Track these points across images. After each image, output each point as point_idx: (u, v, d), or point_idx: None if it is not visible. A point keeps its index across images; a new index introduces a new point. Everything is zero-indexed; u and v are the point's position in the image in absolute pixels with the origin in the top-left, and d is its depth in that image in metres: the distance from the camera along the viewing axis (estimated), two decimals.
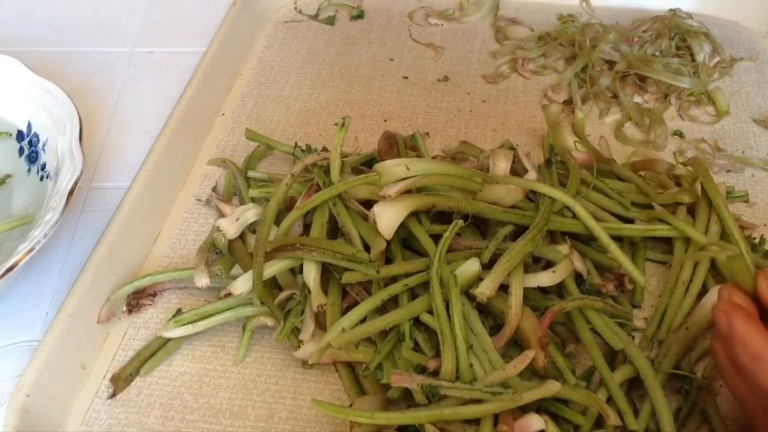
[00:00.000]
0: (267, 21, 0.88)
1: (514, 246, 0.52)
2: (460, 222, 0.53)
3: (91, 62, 0.78)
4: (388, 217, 0.52)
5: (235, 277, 0.54)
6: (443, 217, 0.57)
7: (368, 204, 0.54)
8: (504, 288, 0.51)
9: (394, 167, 0.54)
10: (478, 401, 0.46)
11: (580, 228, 0.56)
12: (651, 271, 0.59)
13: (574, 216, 0.56)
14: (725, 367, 0.42)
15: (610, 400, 0.49)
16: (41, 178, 0.61)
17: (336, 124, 0.61)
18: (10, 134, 0.64)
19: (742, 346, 0.40)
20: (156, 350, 0.55)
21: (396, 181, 0.53)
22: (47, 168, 0.61)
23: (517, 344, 0.52)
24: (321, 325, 0.53)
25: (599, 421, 0.48)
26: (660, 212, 0.58)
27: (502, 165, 0.59)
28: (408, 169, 0.54)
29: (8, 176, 0.63)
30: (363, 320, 0.52)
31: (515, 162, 0.61)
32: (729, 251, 0.51)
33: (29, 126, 0.63)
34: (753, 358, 0.39)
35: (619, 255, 0.54)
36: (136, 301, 0.58)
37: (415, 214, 0.55)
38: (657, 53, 0.77)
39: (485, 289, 0.50)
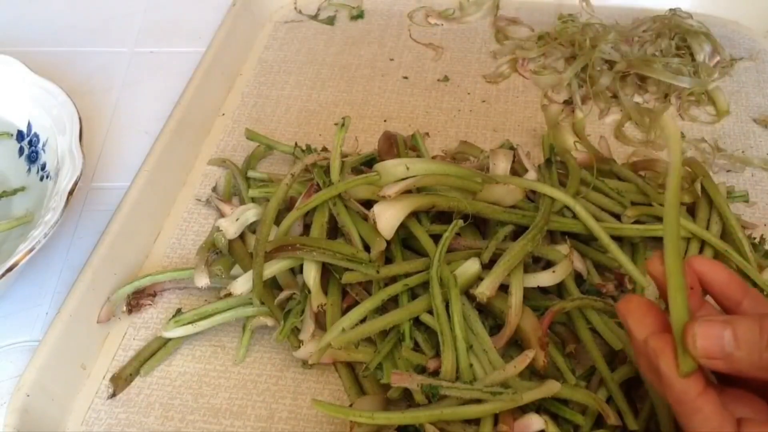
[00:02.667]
0: (267, 21, 0.88)
1: (514, 246, 0.52)
2: (460, 222, 0.53)
3: (91, 62, 0.78)
4: (388, 217, 0.52)
5: (235, 277, 0.54)
6: (443, 217, 0.57)
7: (368, 204, 0.54)
8: (504, 288, 0.51)
9: (394, 167, 0.54)
10: (478, 401, 0.47)
11: (580, 228, 0.56)
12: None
13: (574, 216, 0.56)
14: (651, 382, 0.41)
15: (610, 400, 0.49)
16: (41, 178, 0.61)
17: (336, 124, 0.61)
18: (11, 134, 0.64)
19: (668, 388, 0.38)
20: (156, 350, 0.55)
21: (396, 181, 0.53)
22: (47, 168, 0.61)
23: (517, 344, 0.52)
24: (321, 325, 0.53)
25: (599, 421, 0.48)
26: (656, 209, 0.58)
27: (502, 165, 0.59)
28: (408, 169, 0.54)
29: (22, 188, 0.62)
30: (363, 320, 0.52)
31: (515, 162, 0.61)
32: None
33: (29, 126, 0.63)
34: (676, 402, 0.38)
35: (619, 255, 0.54)
36: (136, 301, 0.58)
37: (415, 214, 0.55)
38: (657, 53, 0.77)
39: (485, 289, 0.50)
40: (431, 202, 0.54)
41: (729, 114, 0.74)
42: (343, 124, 0.57)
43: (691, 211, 0.60)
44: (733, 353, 0.37)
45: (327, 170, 0.57)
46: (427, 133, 0.71)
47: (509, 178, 0.57)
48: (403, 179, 0.53)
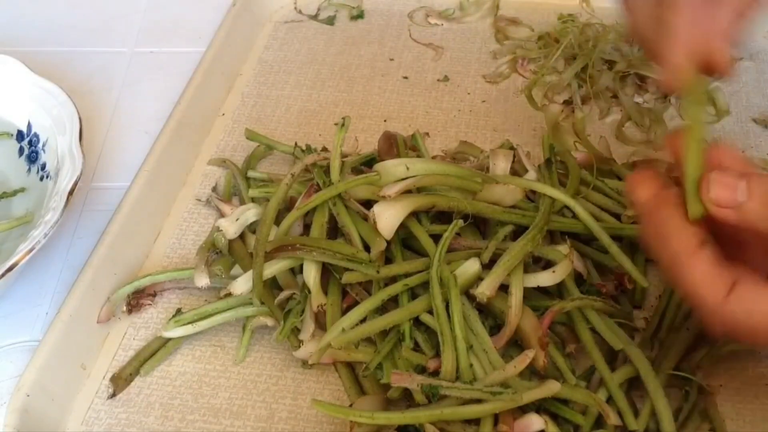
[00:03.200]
0: (267, 21, 0.88)
1: (514, 246, 0.52)
2: (460, 222, 0.53)
3: (91, 62, 0.78)
4: (388, 217, 0.52)
5: (235, 277, 0.54)
6: (443, 217, 0.57)
7: (368, 204, 0.54)
8: (504, 288, 0.51)
9: (394, 167, 0.54)
10: (478, 401, 0.47)
11: (580, 228, 0.56)
12: (651, 271, 0.59)
13: (574, 216, 0.56)
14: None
15: (609, 400, 0.49)
16: (41, 178, 0.61)
17: (336, 124, 0.61)
18: (11, 135, 0.64)
19: (666, 245, 0.39)
20: (156, 350, 0.55)
21: (396, 181, 0.53)
22: (47, 168, 0.61)
23: (517, 344, 0.52)
24: (321, 325, 0.53)
25: (599, 421, 0.48)
26: None
27: (502, 165, 0.59)
28: (408, 169, 0.54)
29: (22, 189, 0.63)
30: (363, 320, 0.52)
31: (515, 162, 0.61)
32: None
33: (29, 126, 0.63)
34: (671, 259, 0.39)
35: (619, 255, 0.54)
36: (136, 301, 0.58)
37: (415, 214, 0.55)
38: None
39: (485, 289, 0.50)
40: (431, 202, 0.54)
41: (729, 114, 0.74)
42: (343, 124, 0.57)
43: None
44: (745, 203, 0.38)
45: (327, 170, 0.57)
46: (427, 133, 0.71)
47: (509, 178, 0.57)
48: (403, 179, 0.53)
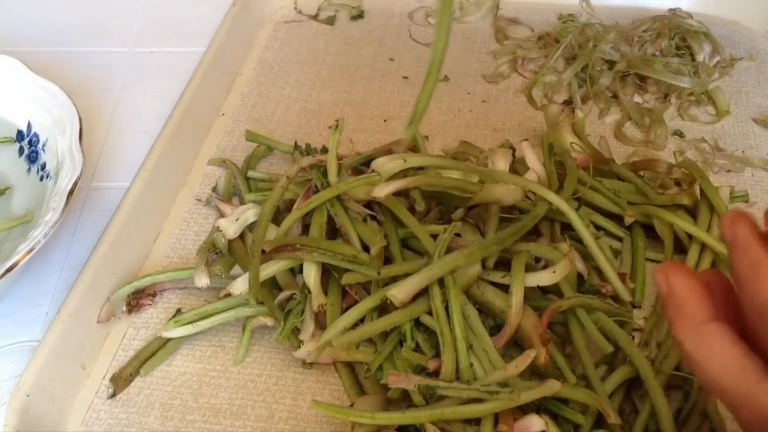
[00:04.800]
0: (267, 21, 0.88)
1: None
2: (459, 224, 0.53)
3: (91, 62, 0.78)
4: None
5: (235, 277, 0.55)
6: (443, 217, 0.57)
7: (368, 205, 0.54)
8: (504, 288, 0.51)
9: (390, 161, 0.54)
10: (478, 401, 0.46)
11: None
12: (651, 272, 0.59)
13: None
14: None
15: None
16: (41, 178, 0.61)
17: (330, 128, 0.61)
18: (13, 139, 0.64)
19: (742, 254, 0.37)
20: (156, 350, 0.55)
21: (389, 180, 0.53)
22: (47, 168, 0.61)
23: (517, 344, 0.52)
24: (321, 325, 0.53)
25: (599, 421, 0.48)
26: (652, 209, 0.58)
27: (500, 164, 0.59)
28: (405, 161, 0.54)
29: (8, 188, 0.63)
30: (362, 319, 0.52)
31: (515, 161, 0.61)
32: None
33: (29, 126, 0.63)
34: (751, 267, 0.37)
35: (604, 264, 0.54)
36: (136, 301, 0.58)
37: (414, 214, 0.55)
38: (657, 53, 0.77)
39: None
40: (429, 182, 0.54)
41: (729, 114, 0.74)
42: (336, 127, 0.57)
43: (692, 213, 0.60)
44: None
45: (324, 172, 0.57)
46: (426, 137, 0.71)
47: (509, 176, 0.57)
48: (397, 179, 0.54)
